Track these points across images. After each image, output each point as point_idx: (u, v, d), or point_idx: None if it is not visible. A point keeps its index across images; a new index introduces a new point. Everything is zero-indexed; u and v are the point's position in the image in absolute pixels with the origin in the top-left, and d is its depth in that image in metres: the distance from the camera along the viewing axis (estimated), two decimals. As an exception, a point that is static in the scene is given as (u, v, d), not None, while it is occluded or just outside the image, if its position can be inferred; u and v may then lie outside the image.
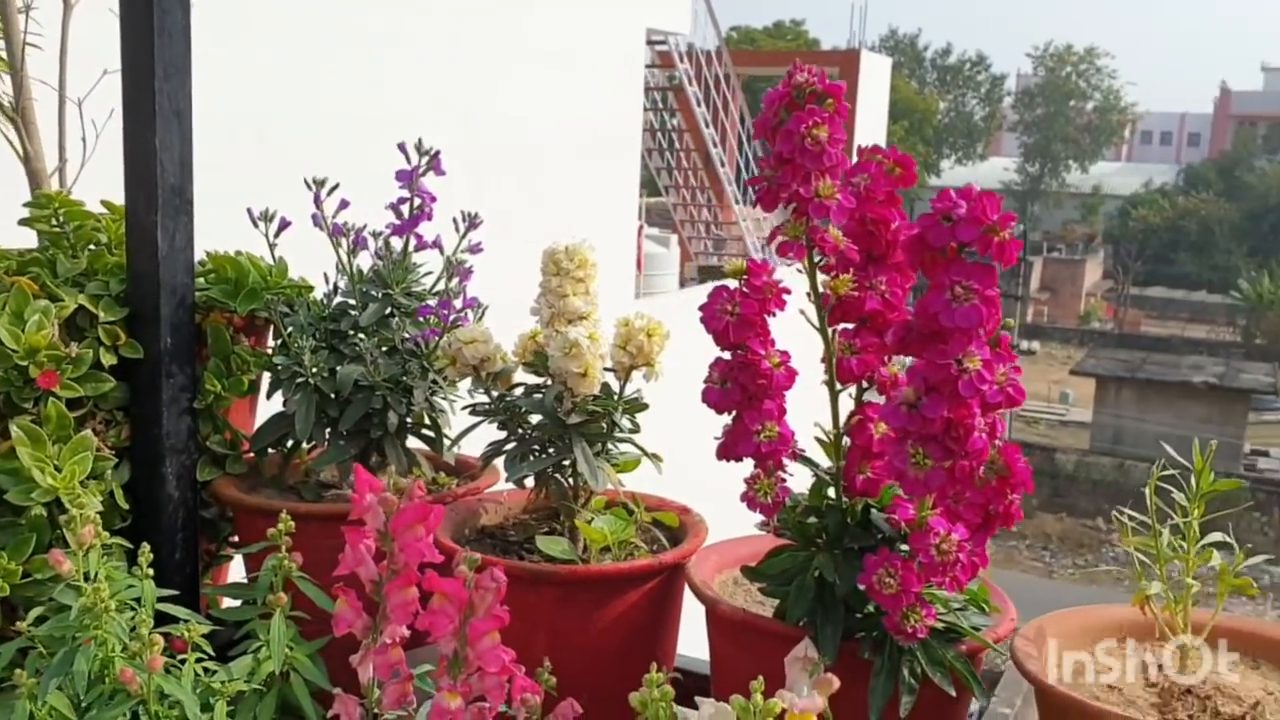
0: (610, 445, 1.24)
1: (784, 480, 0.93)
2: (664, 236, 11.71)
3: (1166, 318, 32.01)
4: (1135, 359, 22.65)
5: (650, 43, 10.92)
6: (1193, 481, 0.98)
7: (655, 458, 1.26)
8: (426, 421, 1.36)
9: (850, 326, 0.93)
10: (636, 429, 1.25)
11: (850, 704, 0.95)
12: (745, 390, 0.89)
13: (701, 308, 0.90)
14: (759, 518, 0.97)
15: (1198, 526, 0.97)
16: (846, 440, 0.96)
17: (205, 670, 1.08)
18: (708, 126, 12.08)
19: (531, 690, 1.01)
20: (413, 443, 1.39)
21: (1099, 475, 21.22)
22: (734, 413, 0.92)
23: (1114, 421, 21.18)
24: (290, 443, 1.35)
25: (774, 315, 0.89)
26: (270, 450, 1.37)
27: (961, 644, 0.98)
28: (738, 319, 0.88)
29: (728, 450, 0.92)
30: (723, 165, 12.50)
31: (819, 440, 0.97)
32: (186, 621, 1.06)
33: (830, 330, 0.91)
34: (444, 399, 1.36)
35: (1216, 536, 0.99)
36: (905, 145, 32.06)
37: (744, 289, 0.88)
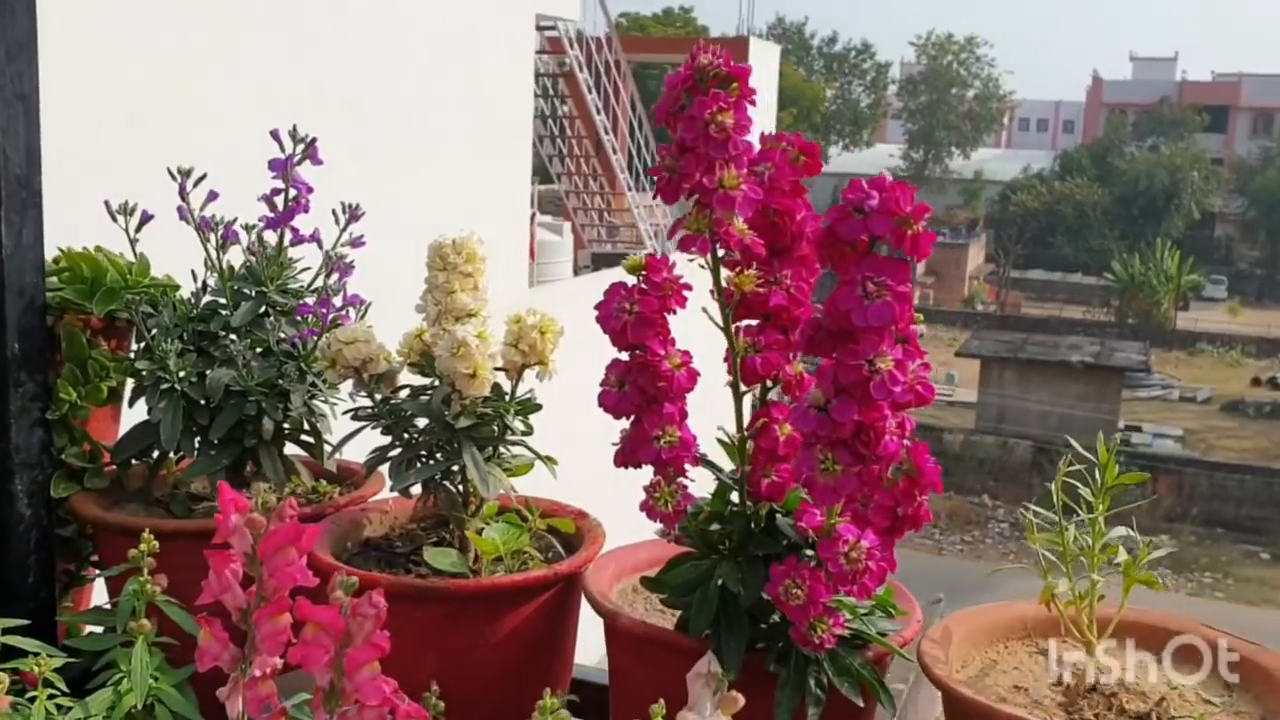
0: (502, 449, 1.18)
1: (685, 487, 0.88)
2: (557, 224, 11.61)
3: (1045, 299, 33.04)
4: (1017, 340, 23.30)
5: (540, 28, 10.80)
6: (1097, 475, 0.96)
7: (549, 460, 1.20)
8: (305, 427, 1.28)
9: (754, 323, 0.88)
10: (529, 430, 1.19)
11: (755, 718, 0.91)
12: (644, 393, 0.84)
13: (598, 306, 0.85)
14: (664, 536, 0.93)
15: (1103, 521, 0.95)
16: (751, 443, 0.92)
17: (59, 708, 1.00)
18: (599, 113, 12.00)
19: (418, 717, 0.95)
20: (291, 450, 1.31)
21: (984, 453, 21.78)
22: (633, 417, 0.87)
23: (998, 401, 21.76)
24: (156, 454, 1.26)
25: (674, 313, 0.84)
26: (135, 462, 1.27)
27: (868, 651, 0.95)
28: (636, 318, 0.82)
29: (627, 457, 0.87)
30: (615, 152, 12.44)
31: (721, 443, 0.93)
32: (36, 655, 0.97)
33: (734, 328, 0.86)
34: (324, 403, 1.28)
35: (1121, 531, 0.98)
36: (793, 131, 32.37)
37: (642, 285, 0.83)
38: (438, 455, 1.15)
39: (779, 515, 0.93)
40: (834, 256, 0.77)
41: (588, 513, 1.23)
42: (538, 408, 1.17)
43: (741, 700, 0.85)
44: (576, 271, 11.18)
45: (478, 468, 1.11)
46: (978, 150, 39.71)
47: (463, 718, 0.98)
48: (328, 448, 1.28)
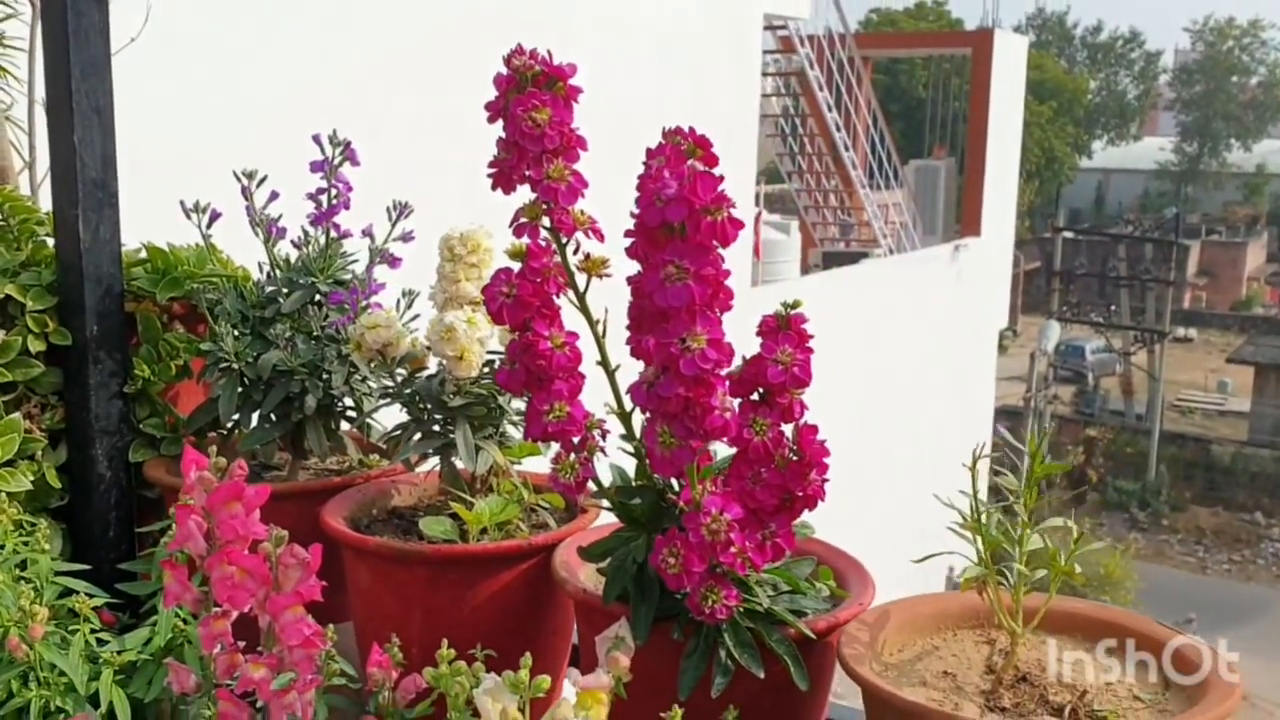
0: (506, 428, 1.26)
1: (588, 460, 0.93)
2: (785, 223, 11.60)
3: (1337, 302, 30.15)
4: (1299, 346, 21.43)
5: (770, 27, 10.84)
6: (1024, 464, 0.95)
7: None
8: (353, 405, 1.40)
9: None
10: (534, 412, 1.26)
11: (665, 687, 0.95)
12: (529, 371, 0.90)
13: (484, 290, 0.91)
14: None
15: (1025, 513, 0.94)
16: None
17: (100, 641, 1.14)
18: (831, 111, 11.92)
19: (382, 665, 1.05)
20: (347, 427, 1.43)
21: (1257, 468, 20.20)
22: (526, 394, 0.93)
23: (1274, 412, 20.12)
24: (228, 426, 1.41)
25: (558, 296, 0.89)
26: (211, 434, 1.43)
27: (789, 628, 0.97)
28: (513, 300, 0.88)
29: (527, 431, 0.93)
30: (847, 149, 12.31)
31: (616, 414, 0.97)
32: (84, 595, 1.12)
33: (596, 311, 0.91)
34: (364, 383, 1.40)
35: (1056, 522, 0.96)
36: (1053, 126, 30.98)
37: (522, 271, 0.89)
38: (444, 432, 1.25)
39: (689, 490, 0.96)
40: (645, 244, 0.80)
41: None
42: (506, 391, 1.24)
43: (625, 662, 0.89)
44: (805, 271, 11.14)
45: (466, 443, 1.20)
46: (1261, 142, 36.67)
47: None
48: (370, 423, 1.40)
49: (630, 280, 0.91)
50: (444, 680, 0.91)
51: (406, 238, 1.43)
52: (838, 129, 12.11)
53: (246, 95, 3.79)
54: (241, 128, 3.62)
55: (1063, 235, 24.99)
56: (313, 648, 0.93)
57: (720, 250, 0.84)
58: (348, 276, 1.40)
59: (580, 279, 0.89)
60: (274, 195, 1.40)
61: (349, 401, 1.39)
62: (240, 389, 1.35)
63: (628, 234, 0.92)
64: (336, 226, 1.39)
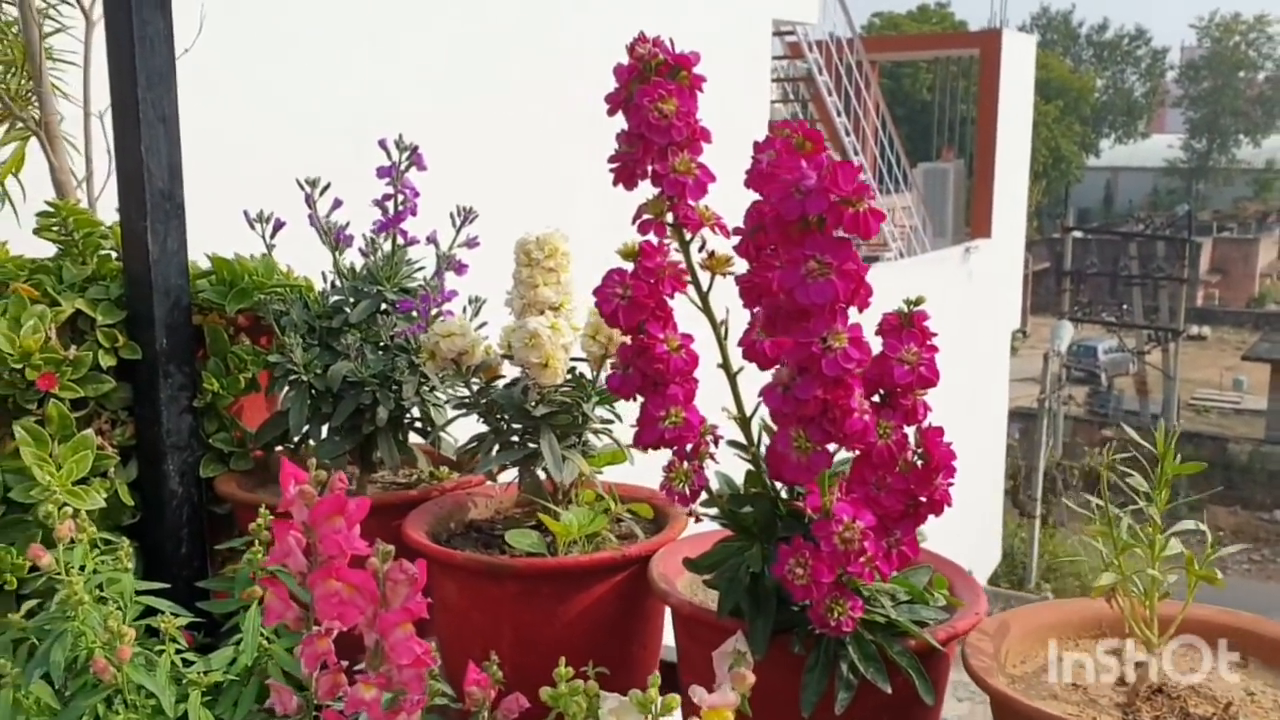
0: (588, 436, 1.23)
1: (701, 468, 0.90)
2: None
3: (1350, 297, 30.02)
4: (1314, 342, 21.33)
5: (779, 33, 10.81)
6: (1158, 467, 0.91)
7: (625, 450, 1.24)
8: (421, 416, 1.37)
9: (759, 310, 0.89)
10: (616, 418, 1.23)
11: (785, 702, 0.92)
12: (644, 376, 0.87)
13: (595, 291, 0.88)
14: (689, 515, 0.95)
15: (1158, 517, 0.90)
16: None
17: (185, 662, 1.11)
18: (840, 116, 11.89)
19: (480, 683, 1.01)
20: (416, 439, 1.40)
21: (1275, 466, 20.09)
22: (639, 399, 0.89)
23: (1291, 409, 20.00)
24: (296, 439, 1.38)
25: (671, 298, 0.86)
26: (279, 448, 1.40)
27: (910, 639, 0.93)
28: (629, 302, 0.85)
29: (639, 438, 0.89)
30: (857, 154, 12.28)
31: (734, 418, 0.94)
32: (169, 614, 1.09)
33: (717, 311, 0.87)
34: (435, 393, 1.37)
35: (1188, 524, 0.92)
36: (1060, 125, 30.91)
37: (636, 271, 0.85)
38: (525, 442, 1.21)
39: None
40: (782, 239, 0.77)
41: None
42: (619, 397, 1.21)
43: (752, 678, 0.85)
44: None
45: (552, 453, 1.16)
46: (1270, 137, 36.57)
47: (537, 688, 1.03)
48: (443, 436, 1.37)
49: (742, 280, 0.88)
50: (562, 700, 0.88)
51: (471, 244, 1.40)
52: (847, 134, 12.08)
53: (303, 101, 3.78)
54: (297, 135, 3.61)
55: (1072, 234, 24.88)
56: (423, 666, 0.89)
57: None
58: (415, 284, 1.37)
59: (703, 278, 0.86)
60: (337, 203, 1.37)
61: (416, 412, 1.36)
62: (309, 401, 1.32)
63: (737, 231, 0.88)
64: (404, 233, 1.36)
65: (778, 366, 0.80)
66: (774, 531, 0.92)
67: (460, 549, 1.20)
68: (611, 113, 0.85)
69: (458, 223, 1.38)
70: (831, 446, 0.85)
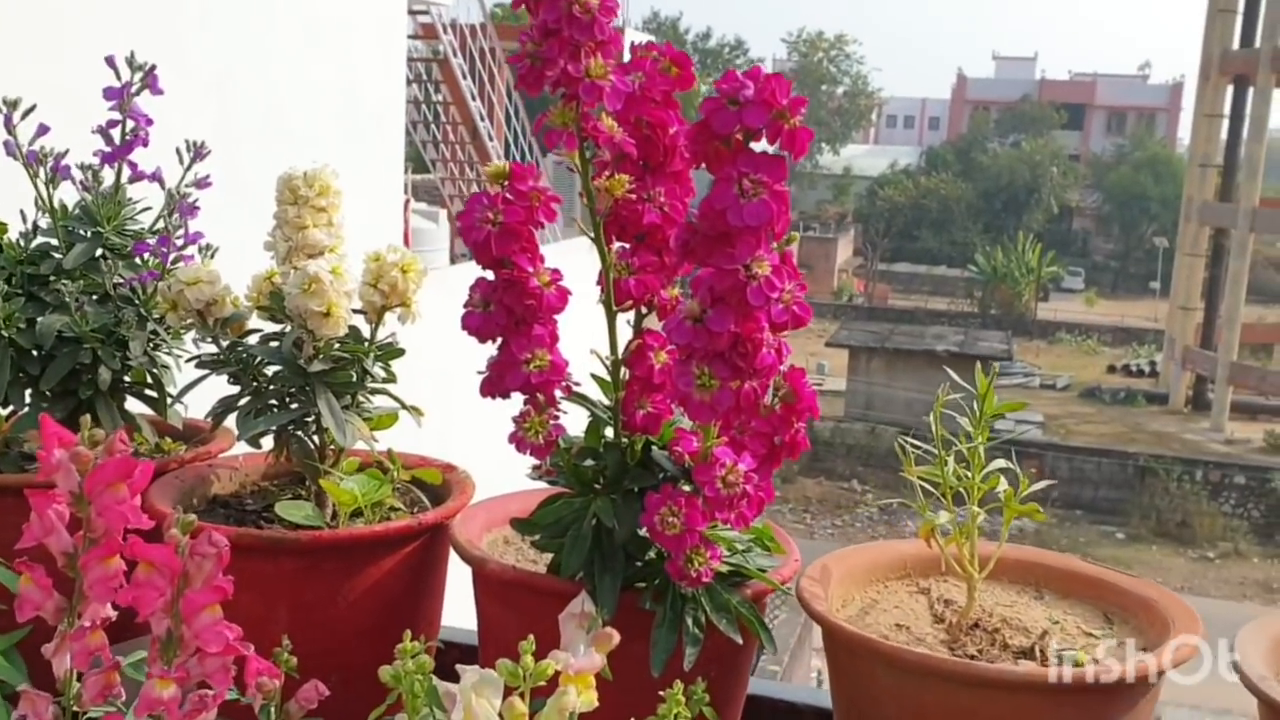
0: (362, 397, 1.12)
1: (557, 417, 0.83)
2: (433, 211, 11.41)
3: (912, 291, 33.90)
4: (884, 330, 23.88)
5: (413, 12, 10.59)
6: (975, 406, 0.94)
7: (415, 410, 1.14)
8: (148, 380, 1.19)
9: (627, 246, 0.83)
10: (392, 378, 1.12)
11: (631, 660, 0.87)
12: (511, 313, 0.79)
13: (459, 217, 0.79)
14: (536, 474, 0.88)
15: (982, 451, 0.94)
16: (625, 372, 0.88)
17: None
18: (474, 99, 11.84)
19: (269, 673, 0.88)
20: (134, 405, 1.22)
21: (853, 440, 22.24)
22: (499, 340, 0.81)
23: (865, 389, 22.26)
24: (-13, 409, 1.16)
25: (542, 227, 0.79)
26: (-41, 419, 1.16)
27: (747, 588, 0.91)
28: (500, 229, 0.77)
29: (493, 385, 0.81)
30: (491, 139, 12.28)
31: (595, 377, 0.88)
32: None
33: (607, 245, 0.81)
34: (168, 353, 1.19)
35: (1000, 463, 0.96)
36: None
37: (507, 195, 0.77)
38: (290, 403, 1.08)
39: (655, 448, 0.88)
40: (708, 154, 0.72)
41: (455, 465, 1.17)
42: (400, 353, 1.11)
43: (617, 636, 0.80)
44: (453, 260, 11.01)
45: (334, 415, 1.04)
46: (847, 146, 40.53)
47: (320, 674, 0.91)
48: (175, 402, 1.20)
49: (657, 215, 0.81)
50: (406, 679, 0.78)
51: (202, 184, 1.23)
52: (481, 118, 12.06)
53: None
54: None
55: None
56: (233, 654, 0.76)
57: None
58: (140, 227, 1.18)
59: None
60: (43, 129, 1.16)
61: (148, 377, 1.18)
62: (10, 360, 1.10)
63: (600, 164, 0.82)
64: (133, 166, 1.17)
65: (683, 300, 0.75)
66: (621, 484, 0.87)
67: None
68: (516, 6, 0.75)
69: (187, 159, 1.21)
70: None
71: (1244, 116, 20.88)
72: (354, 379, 1.08)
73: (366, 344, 1.09)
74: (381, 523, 1.04)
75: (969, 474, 0.94)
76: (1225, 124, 21.57)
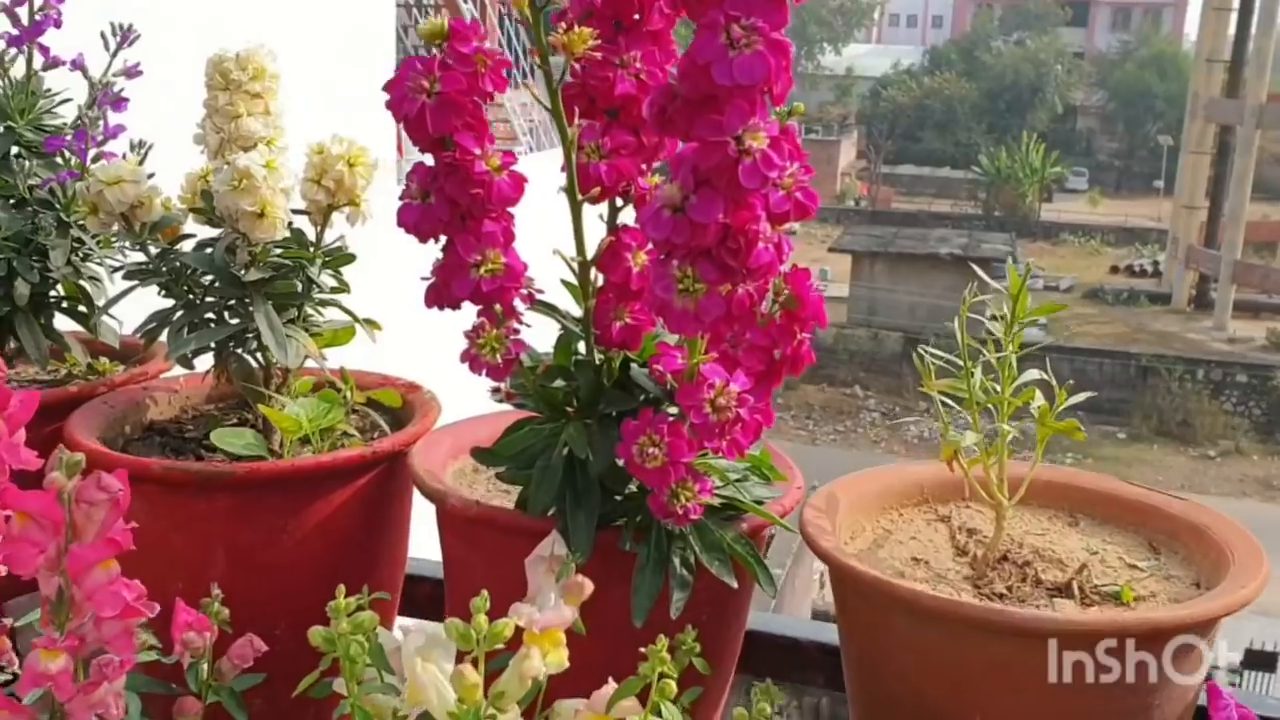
0: (310, 310, 0.99)
1: (517, 331, 0.71)
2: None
3: (915, 194, 33.49)
4: (887, 234, 23.62)
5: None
6: (1005, 308, 0.82)
7: (371, 324, 1.02)
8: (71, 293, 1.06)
9: (596, 125, 0.70)
10: (344, 288, 1.00)
11: (611, 607, 0.76)
12: (454, 205, 0.66)
13: (388, 86, 0.65)
14: (496, 397, 0.75)
15: (1014, 361, 0.81)
16: (599, 278, 0.75)
17: None
18: (466, 2, 11.50)
19: (199, 627, 0.77)
20: (65, 324, 1.09)
21: (855, 346, 22.16)
22: (443, 239, 0.69)
23: (869, 294, 22.09)
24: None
25: (490, 100, 0.66)
26: None
27: (742, 521, 0.80)
28: (437, 100, 0.63)
29: (439, 293, 0.68)
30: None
31: (565, 283, 0.75)
32: None
33: (572, 123, 0.68)
34: (99, 263, 1.07)
35: (1033, 374, 0.84)
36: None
37: (446, 59, 0.64)
38: (229, 317, 0.96)
39: (635, 366, 0.76)
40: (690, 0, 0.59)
41: (420, 385, 1.05)
42: (349, 258, 0.98)
43: (589, 586, 0.69)
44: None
45: (273, 330, 0.92)
46: (849, 46, 39.67)
47: (265, 625, 0.81)
48: (107, 320, 1.07)
49: (568, 88, 0.68)
50: (341, 640, 0.67)
51: (131, 73, 1.09)
52: (472, 20, 11.73)
53: None
54: None
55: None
56: (135, 617, 0.65)
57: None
58: (61, 121, 1.05)
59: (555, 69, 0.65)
60: (-64, 8, 1.01)
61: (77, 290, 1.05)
62: (-90, 276, 0.98)
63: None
64: (44, 50, 1.03)
65: (662, 184, 0.62)
66: (596, 408, 0.75)
67: (142, 457, 0.93)
68: None
69: (113, 44, 1.07)
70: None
71: (1253, 9, 20.37)
72: (298, 289, 0.95)
73: (311, 249, 0.96)
74: (330, 452, 0.92)
75: (997, 387, 0.82)
76: (1233, 17, 21.05)
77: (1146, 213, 29.92)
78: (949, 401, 0.82)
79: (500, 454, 0.78)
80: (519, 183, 0.67)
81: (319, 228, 0.97)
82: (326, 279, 0.98)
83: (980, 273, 0.85)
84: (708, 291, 0.61)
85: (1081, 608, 0.78)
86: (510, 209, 0.68)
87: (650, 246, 0.68)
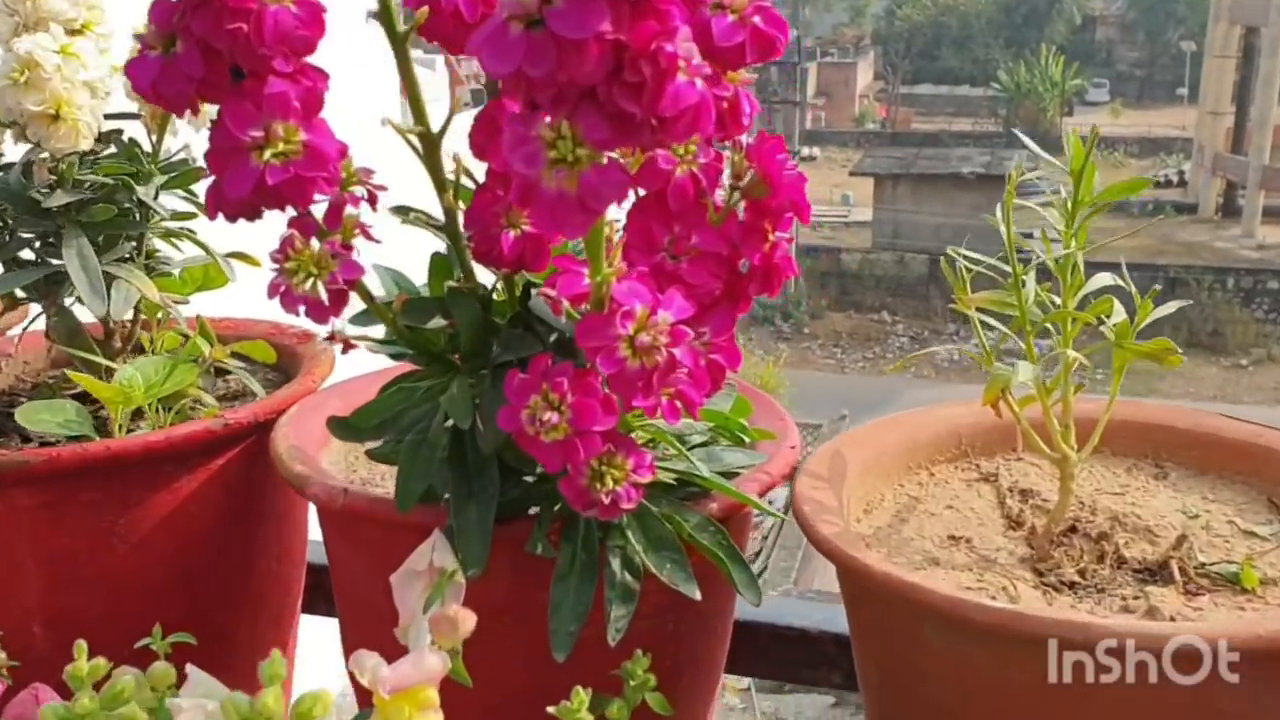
0: (160, 243, 0.77)
1: (349, 249, 0.48)
2: (429, 59, 10.87)
3: (934, 114, 32.85)
4: (909, 155, 23.13)
5: None
6: (1064, 191, 0.58)
7: (243, 258, 0.79)
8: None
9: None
10: (197, 212, 0.77)
11: (526, 630, 0.54)
12: (211, 55, 0.43)
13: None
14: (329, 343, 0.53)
15: (1080, 263, 0.58)
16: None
17: None
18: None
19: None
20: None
21: (881, 271, 21.79)
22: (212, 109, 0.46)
23: (892, 217, 21.67)
24: None
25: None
26: None
27: (711, 502, 0.57)
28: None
29: (215, 195, 0.46)
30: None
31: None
32: None
33: None
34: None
35: (1105, 278, 0.61)
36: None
37: None
38: (45, 257, 0.74)
39: (537, 292, 0.53)
40: None
41: (312, 334, 0.83)
42: (198, 174, 0.75)
43: (469, 622, 0.47)
44: (454, 110, 10.51)
45: (86, 269, 0.70)
46: (861, -36, 38.73)
47: (104, 650, 0.60)
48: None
49: None
50: (118, 694, 0.45)
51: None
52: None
53: None
54: None
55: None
56: None
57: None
58: None
59: None
60: None
61: None
62: None
63: None
64: None
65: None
66: (487, 353, 0.53)
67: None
68: None
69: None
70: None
71: (1279, -99, 19.59)
72: (131, 215, 0.73)
73: (150, 159, 0.74)
74: (169, 427, 0.70)
75: (1056, 299, 0.59)
76: (1258, -88, 20.29)
77: (1170, 122, 29.24)
78: (990, 321, 0.59)
79: (358, 424, 0.55)
80: (314, 14, 0.44)
81: (156, 134, 0.74)
82: (170, 201, 0.75)
83: (1031, 144, 0.61)
84: (595, 159, 0.37)
85: (1186, 597, 0.56)
86: (307, 58, 0.45)
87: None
